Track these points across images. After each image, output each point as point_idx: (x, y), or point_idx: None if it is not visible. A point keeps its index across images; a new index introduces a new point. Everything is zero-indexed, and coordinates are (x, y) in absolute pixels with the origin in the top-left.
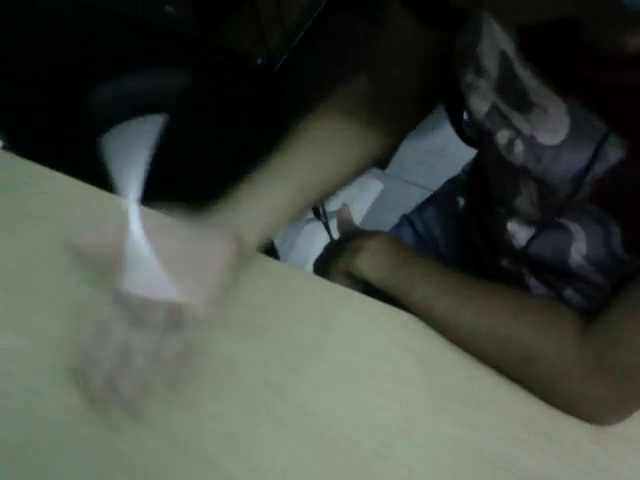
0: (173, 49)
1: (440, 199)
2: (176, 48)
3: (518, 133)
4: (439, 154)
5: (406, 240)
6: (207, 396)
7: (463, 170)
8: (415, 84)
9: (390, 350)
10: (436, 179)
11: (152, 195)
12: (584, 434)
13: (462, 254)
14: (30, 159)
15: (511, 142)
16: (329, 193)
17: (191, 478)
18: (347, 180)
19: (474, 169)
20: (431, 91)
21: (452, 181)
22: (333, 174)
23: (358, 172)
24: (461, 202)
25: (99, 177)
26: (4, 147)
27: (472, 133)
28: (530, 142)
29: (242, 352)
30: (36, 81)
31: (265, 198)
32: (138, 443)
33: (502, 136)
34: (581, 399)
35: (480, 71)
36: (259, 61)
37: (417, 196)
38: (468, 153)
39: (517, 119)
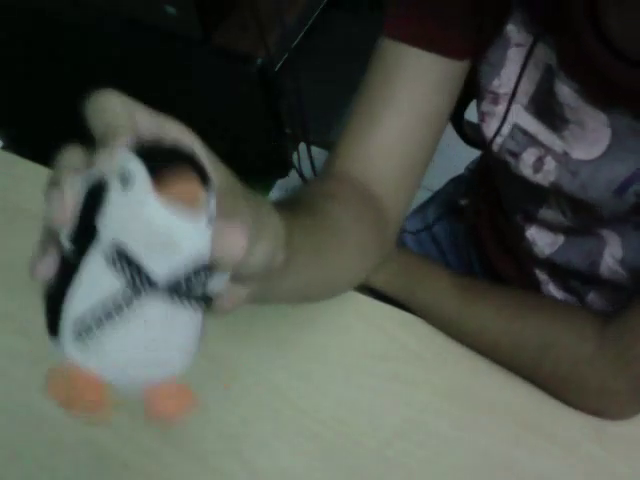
0: (173, 49)
1: (443, 198)
2: (176, 48)
3: (548, 150)
4: (440, 154)
5: None
6: (207, 396)
7: (467, 168)
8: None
9: (390, 350)
10: (437, 179)
11: None
12: (584, 434)
13: (468, 254)
14: (30, 159)
15: (540, 160)
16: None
17: (191, 478)
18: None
19: (480, 169)
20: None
21: (455, 180)
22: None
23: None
24: (466, 202)
25: None
26: (4, 147)
27: (473, 133)
28: (564, 158)
29: (243, 353)
30: (36, 81)
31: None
32: (138, 443)
33: (529, 155)
34: (597, 390)
35: (497, 100)
36: (259, 61)
37: (417, 196)
38: (469, 153)
39: (547, 137)
